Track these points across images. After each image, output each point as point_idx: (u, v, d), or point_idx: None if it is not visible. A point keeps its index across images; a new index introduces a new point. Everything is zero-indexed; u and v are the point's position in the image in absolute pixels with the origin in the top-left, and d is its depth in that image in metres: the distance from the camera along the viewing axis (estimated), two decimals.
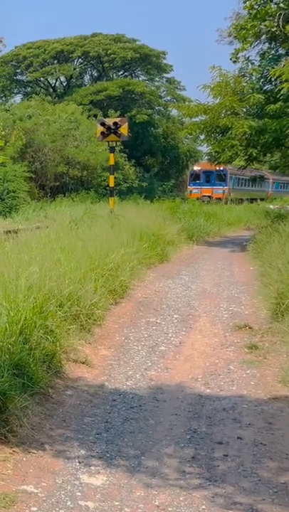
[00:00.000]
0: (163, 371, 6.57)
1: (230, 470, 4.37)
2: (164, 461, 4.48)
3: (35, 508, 3.78)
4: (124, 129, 17.08)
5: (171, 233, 17.25)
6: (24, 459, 4.31)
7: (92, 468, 4.32)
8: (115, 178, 18.94)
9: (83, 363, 6.44)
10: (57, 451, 4.51)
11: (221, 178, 44.12)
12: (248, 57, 17.83)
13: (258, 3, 16.27)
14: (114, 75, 60.36)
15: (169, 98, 59.97)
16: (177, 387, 6.05)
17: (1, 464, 4.16)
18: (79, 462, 4.39)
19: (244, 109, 18.38)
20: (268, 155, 22.67)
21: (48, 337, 5.83)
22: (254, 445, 4.78)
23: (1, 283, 6.10)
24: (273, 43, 17.77)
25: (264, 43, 17.90)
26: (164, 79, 60.68)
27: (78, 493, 4.00)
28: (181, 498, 3.98)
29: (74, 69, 58.48)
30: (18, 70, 57.66)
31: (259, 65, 17.95)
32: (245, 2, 16.10)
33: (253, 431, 5.05)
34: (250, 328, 8.24)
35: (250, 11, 16.16)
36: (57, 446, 4.57)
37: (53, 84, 60.72)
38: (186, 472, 4.32)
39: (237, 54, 17.50)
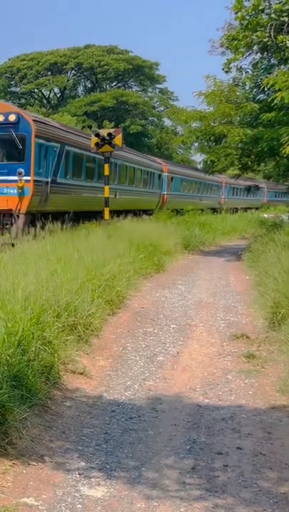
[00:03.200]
0: (161, 381, 6.57)
1: (230, 480, 4.36)
2: (164, 472, 4.46)
3: None
4: (118, 140, 17.20)
5: (167, 243, 17.29)
6: (24, 471, 4.29)
7: (93, 479, 4.31)
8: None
9: (81, 373, 6.43)
10: (57, 463, 4.49)
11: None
12: (241, 66, 17.93)
13: (249, 13, 16.38)
14: (107, 86, 60.80)
15: (162, 108, 60.42)
16: (176, 398, 6.05)
17: (0, 477, 4.14)
18: (79, 474, 4.37)
19: (238, 118, 18.47)
20: (262, 164, 22.76)
21: (46, 348, 5.82)
22: (254, 455, 4.78)
23: None
24: (265, 53, 17.87)
25: (256, 53, 18.01)
26: (157, 89, 61.22)
27: (79, 506, 3.98)
28: (182, 510, 3.97)
29: (68, 80, 58.89)
30: (12, 82, 58.08)
31: (252, 75, 18.06)
32: (236, 13, 16.20)
33: (252, 441, 5.05)
34: (247, 337, 8.25)
35: (242, 22, 16.25)
36: (57, 458, 4.56)
37: (47, 96, 61.09)
38: (186, 483, 4.31)
39: (229, 64, 17.58)
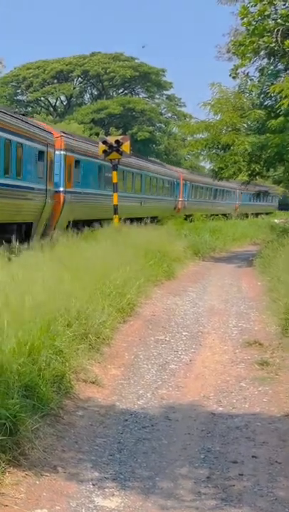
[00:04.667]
0: (174, 390, 6.51)
1: (246, 490, 4.29)
2: (179, 482, 4.40)
3: None
4: (126, 147, 17.21)
5: (177, 249, 17.23)
6: (37, 482, 4.24)
7: (106, 490, 4.25)
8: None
9: (93, 382, 6.38)
10: (70, 473, 4.44)
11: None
12: (248, 73, 17.91)
13: (256, 19, 16.38)
14: (114, 93, 60.95)
15: (169, 115, 60.50)
16: (189, 406, 5.98)
17: (13, 488, 4.09)
18: (93, 484, 4.31)
19: (245, 125, 18.43)
20: (271, 170, 22.69)
21: (57, 357, 5.79)
22: (269, 464, 4.70)
23: (8, 303, 6.07)
24: (272, 58, 17.86)
25: (263, 59, 18.00)
26: (164, 96, 61.25)
27: None
28: None
29: (74, 88, 59.08)
30: (19, 91, 58.32)
31: (258, 81, 18.03)
32: (242, 18, 16.20)
33: (267, 449, 4.98)
34: (260, 344, 8.17)
35: (248, 27, 16.26)
36: (70, 469, 4.50)
37: (53, 104, 61.30)
38: (201, 493, 4.24)
39: (236, 70, 17.59)
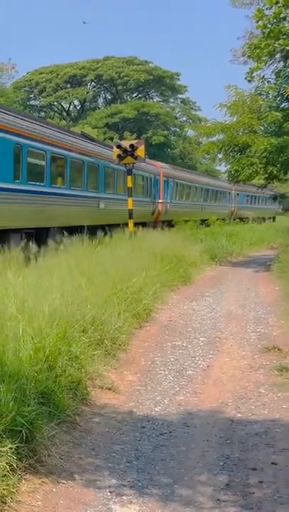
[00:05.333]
0: (192, 396, 6.43)
1: (266, 497, 4.20)
2: (198, 489, 4.32)
3: None
4: (140, 151, 17.15)
5: (193, 254, 17.14)
6: (54, 489, 4.19)
7: (124, 497, 4.19)
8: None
9: (110, 389, 6.33)
10: (87, 480, 4.38)
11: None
12: (264, 75, 17.83)
13: (271, 22, 16.28)
14: (128, 97, 60.96)
15: (184, 119, 60.33)
16: (207, 412, 5.90)
17: (30, 495, 4.04)
18: (110, 492, 4.25)
19: (262, 128, 18.35)
20: None
21: (73, 363, 5.75)
22: None
23: (24, 309, 6.05)
24: (288, 61, 17.77)
25: (279, 62, 17.91)
26: (179, 100, 61.15)
27: None
28: None
29: (87, 92, 59.15)
30: (32, 95, 58.45)
31: (275, 84, 17.94)
32: (257, 21, 16.12)
33: (287, 456, 4.88)
34: (279, 349, 8.06)
35: (264, 30, 16.15)
36: (87, 476, 4.45)
37: (66, 109, 61.39)
38: (220, 500, 4.16)
39: (252, 73, 17.45)
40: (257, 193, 42.65)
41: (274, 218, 51.98)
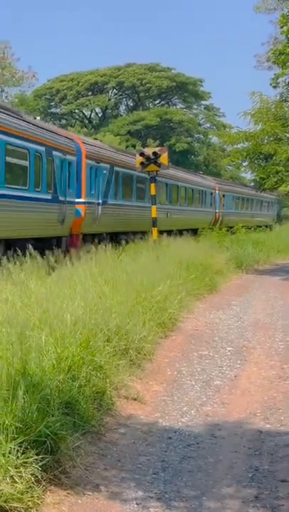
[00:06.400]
0: (219, 406, 6.30)
1: None
2: (226, 502, 4.20)
3: None
4: (164, 159, 17.07)
5: (219, 262, 16.99)
6: (79, 501, 4.12)
7: (151, 510, 4.09)
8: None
9: (135, 399, 6.24)
10: (113, 492, 4.29)
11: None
12: (288, 82, 17.70)
13: None
14: (150, 104, 60.67)
15: (208, 125, 59.83)
16: (235, 423, 5.77)
17: (55, 507, 3.97)
18: (136, 504, 4.16)
19: (287, 135, 18.20)
20: None
21: (97, 373, 5.68)
22: None
23: (47, 319, 6.01)
24: None
25: None
26: (202, 106, 60.69)
27: None
28: None
29: (109, 100, 58.97)
30: (52, 103, 58.34)
31: None
32: (282, 27, 16.05)
33: None
34: None
35: (288, 36, 16.10)
36: (112, 488, 4.36)
37: (88, 116, 61.28)
38: None
39: (277, 79, 17.42)
40: (251, 195, 37.99)
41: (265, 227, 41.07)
